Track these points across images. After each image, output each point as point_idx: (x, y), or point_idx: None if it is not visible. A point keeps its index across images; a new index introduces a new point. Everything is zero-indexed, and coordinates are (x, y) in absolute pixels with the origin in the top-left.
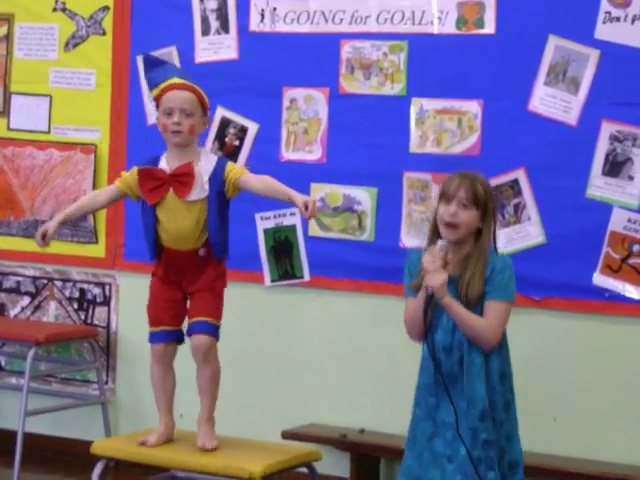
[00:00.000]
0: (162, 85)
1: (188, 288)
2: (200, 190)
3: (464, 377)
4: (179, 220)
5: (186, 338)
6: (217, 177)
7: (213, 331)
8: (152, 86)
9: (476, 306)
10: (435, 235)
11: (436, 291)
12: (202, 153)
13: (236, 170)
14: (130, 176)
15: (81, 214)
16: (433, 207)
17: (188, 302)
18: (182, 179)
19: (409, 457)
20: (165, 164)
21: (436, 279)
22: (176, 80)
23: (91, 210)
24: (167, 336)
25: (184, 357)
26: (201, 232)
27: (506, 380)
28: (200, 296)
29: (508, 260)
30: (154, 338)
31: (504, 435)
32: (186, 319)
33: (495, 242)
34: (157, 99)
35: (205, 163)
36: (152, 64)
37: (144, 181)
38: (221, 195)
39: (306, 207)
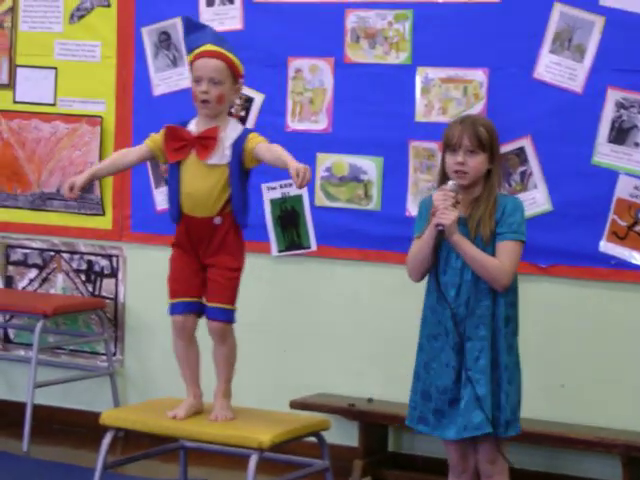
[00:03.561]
0: (196, 51)
1: (204, 259)
2: (221, 156)
3: (467, 317)
4: (198, 183)
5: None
6: (239, 146)
7: (228, 317)
8: (188, 51)
9: (487, 247)
10: (444, 179)
11: (446, 228)
12: (230, 121)
13: (254, 140)
14: (160, 136)
15: (111, 171)
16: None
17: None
18: (205, 142)
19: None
20: (194, 127)
21: (447, 216)
22: (208, 47)
23: (121, 168)
24: (185, 307)
25: (200, 331)
26: (217, 199)
27: (510, 323)
28: (216, 276)
29: (519, 201)
30: (172, 309)
31: (506, 379)
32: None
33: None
34: (191, 65)
35: (231, 131)
36: (191, 28)
37: (170, 140)
38: (242, 164)
39: (298, 175)
